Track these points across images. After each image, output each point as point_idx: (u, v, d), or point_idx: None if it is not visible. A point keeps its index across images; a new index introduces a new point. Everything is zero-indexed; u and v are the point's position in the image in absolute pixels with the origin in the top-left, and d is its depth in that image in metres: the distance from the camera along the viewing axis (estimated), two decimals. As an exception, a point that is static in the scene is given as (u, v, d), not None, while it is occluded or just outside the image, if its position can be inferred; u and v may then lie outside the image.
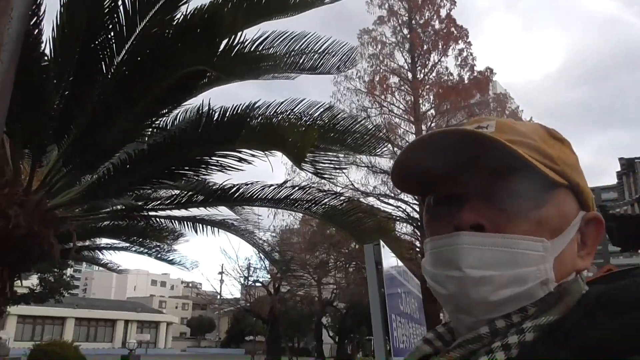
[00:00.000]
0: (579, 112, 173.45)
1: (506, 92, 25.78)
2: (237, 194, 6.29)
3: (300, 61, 5.28)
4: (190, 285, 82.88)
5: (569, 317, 0.56)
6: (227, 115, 4.78)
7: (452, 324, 0.67)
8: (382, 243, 2.34)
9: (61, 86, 4.79)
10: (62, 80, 4.75)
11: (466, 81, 24.05)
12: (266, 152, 4.79)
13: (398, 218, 26.86)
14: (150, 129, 5.26)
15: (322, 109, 5.37)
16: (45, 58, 4.71)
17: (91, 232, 8.21)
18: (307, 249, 31.26)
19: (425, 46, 23.33)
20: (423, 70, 24.10)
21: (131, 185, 5.64)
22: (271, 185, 6.37)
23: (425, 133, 0.62)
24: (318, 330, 41.92)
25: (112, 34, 4.61)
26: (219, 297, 50.22)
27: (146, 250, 10.14)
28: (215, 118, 4.72)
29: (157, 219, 7.39)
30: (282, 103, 5.13)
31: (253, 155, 5.01)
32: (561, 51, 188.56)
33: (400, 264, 4.32)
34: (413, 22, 23.62)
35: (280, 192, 6.39)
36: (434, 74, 24.16)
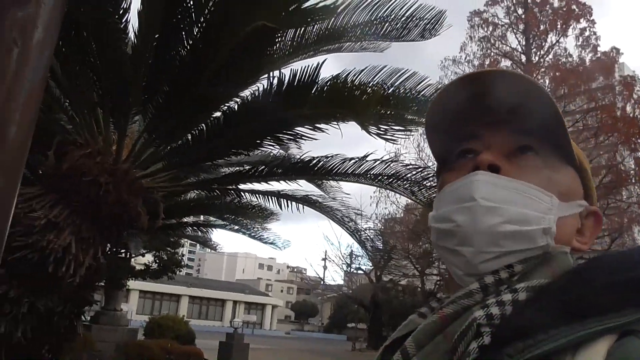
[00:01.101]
0: None
1: (635, 74, 23.29)
2: (317, 167, 6.16)
3: (384, 29, 5.00)
4: (295, 270, 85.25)
5: (558, 279, 0.59)
6: (297, 78, 4.62)
7: (451, 271, 0.67)
8: None
9: (145, 56, 4.90)
10: (145, 50, 4.86)
11: (588, 63, 22.14)
12: (338, 116, 4.60)
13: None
14: (231, 99, 5.23)
15: (405, 76, 5.04)
16: (129, 29, 4.86)
17: (183, 208, 8.52)
18: (410, 238, 30.74)
19: (542, 26, 21.75)
20: (539, 53, 22.53)
21: (211, 155, 5.69)
22: (352, 158, 6.17)
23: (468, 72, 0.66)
24: (421, 322, 41.31)
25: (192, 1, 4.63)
26: (322, 282, 51.22)
27: (240, 229, 10.41)
28: (286, 81, 4.59)
29: (245, 194, 7.48)
30: (362, 71, 4.85)
31: (326, 122, 4.84)
32: None
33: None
34: (529, 0, 22.05)
35: (361, 165, 6.16)
36: (550, 56, 22.50)
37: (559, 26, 21.56)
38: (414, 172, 6.21)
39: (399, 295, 40.01)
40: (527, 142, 0.66)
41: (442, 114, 0.69)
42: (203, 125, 5.13)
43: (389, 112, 4.94)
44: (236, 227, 10.39)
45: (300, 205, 7.49)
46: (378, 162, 6.12)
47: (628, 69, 23.93)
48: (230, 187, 6.77)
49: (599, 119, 22.54)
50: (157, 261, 22.32)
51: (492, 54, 22.46)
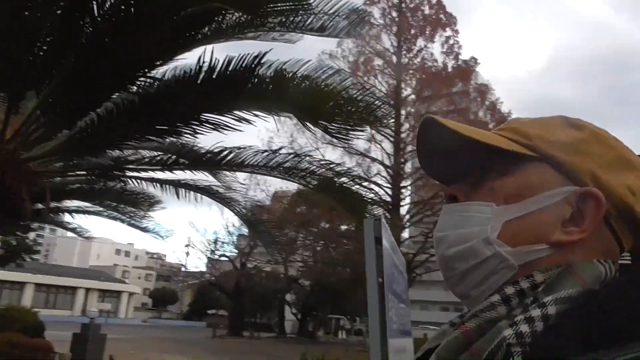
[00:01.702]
0: (560, 110, 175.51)
1: (488, 82, 25.81)
2: (229, 158, 6.01)
3: (309, 21, 4.96)
4: (154, 256, 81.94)
5: (598, 296, 0.55)
6: (232, 66, 4.40)
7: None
8: (383, 218, 2.21)
9: (45, 26, 4.39)
10: (47, 20, 4.35)
11: (450, 69, 24.01)
12: (274, 111, 4.51)
13: (370, 200, 26.95)
14: (143, 79, 4.83)
15: (330, 72, 5.06)
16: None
17: (64, 193, 7.79)
18: (276, 226, 31.15)
19: (412, 31, 23.15)
20: (408, 55, 23.93)
21: (116, 140, 5.26)
22: (265, 151, 6.09)
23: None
24: (281, 307, 42.08)
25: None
26: (183, 269, 49.81)
27: (119, 216, 9.78)
28: (218, 68, 4.35)
29: (136, 181, 7.04)
30: (286, 62, 4.78)
31: (255, 115, 4.71)
32: (547, 49, 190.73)
33: (393, 239, 4.18)
34: (403, 5, 23.35)
35: (274, 159, 6.12)
36: (418, 59, 24.03)
37: (427, 32, 23.13)
38: (326, 168, 6.30)
39: (263, 282, 40.37)
40: (482, 163, 0.68)
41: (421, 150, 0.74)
42: (112, 105, 4.70)
43: (337, 115, 4.94)
44: (114, 214, 9.73)
45: (199, 195, 7.24)
46: (291, 156, 6.12)
47: (482, 78, 26.42)
48: (126, 174, 6.32)
49: (462, 118, 24.76)
50: (4, 247, 20.19)
51: (367, 51, 23.43)
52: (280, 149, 6.11)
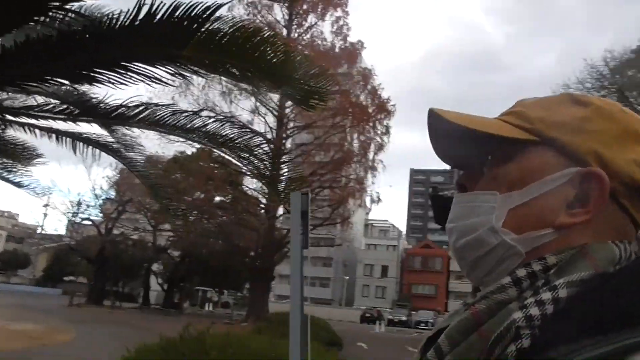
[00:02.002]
0: (432, 100, 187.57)
1: (372, 67, 26.58)
2: (144, 115, 5.47)
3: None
4: (6, 215, 74.60)
5: (606, 277, 0.55)
6: (178, 13, 3.85)
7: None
8: (309, 192, 2.12)
9: None
10: None
11: (337, 50, 24.30)
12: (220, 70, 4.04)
13: (249, 173, 26.77)
14: (62, 12, 4.08)
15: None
16: None
17: None
18: (148, 192, 29.84)
19: (305, 6, 23.00)
20: (298, 30, 23.81)
21: (17, 79, 4.47)
22: (184, 111, 5.63)
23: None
24: (147, 277, 40.63)
25: None
26: (40, 231, 45.98)
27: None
28: (161, 14, 3.79)
29: (28, 130, 6.19)
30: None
31: (195, 72, 4.25)
32: (426, 43, 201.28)
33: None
34: (297, -23, 23.09)
35: (193, 120, 5.67)
36: (308, 36, 24.02)
37: (319, 10, 23.15)
38: (247, 137, 5.99)
39: (129, 250, 38.61)
40: (488, 150, 0.68)
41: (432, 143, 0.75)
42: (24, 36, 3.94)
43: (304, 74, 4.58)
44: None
45: (98, 151, 6.58)
46: (212, 120, 5.73)
47: (365, 63, 27.12)
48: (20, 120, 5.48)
49: (339, 102, 25.23)
50: None
51: (258, 20, 22.93)
52: (201, 110, 5.68)
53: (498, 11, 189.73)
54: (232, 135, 6.02)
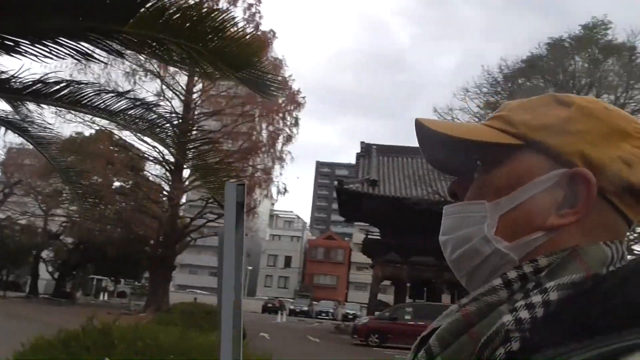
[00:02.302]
0: (336, 96, 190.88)
1: (283, 58, 26.53)
2: (64, 93, 5.02)
3: None
4: None
5: (601, 282, 0.55)
6: None
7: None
8: (245, 183, 2.06)
9: None
10: None
11: (249, 37, 23.89)
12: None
13: (152, 158, 25.80)
14: None
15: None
16: None
17: None
18: (40, 174, 27.85)
19: (215, -11, 22.42)
20: (209, 13, 23.18)
21: None
22: (109, 91, 5.21)
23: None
24: (36, 264, 38.01)
25: None
26: None
27: None
28: None
29: None
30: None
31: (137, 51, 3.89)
32: (336, 40, 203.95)
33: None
34: (209, -41, 22.43)
35: (119, 102, 5.30)
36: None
37: (231, -5, 22.69)
38: (159, 121, 5.68)
39: (15, 235, 35.87)
40: (476, 157, 0.68)
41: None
42: None
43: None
44: None
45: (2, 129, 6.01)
46: (139, 103, 5.35)
47: (276, 54, 27.05)
48: None
49: (248, 91, 24.93)
50: None
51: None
52: (128, 92, 5.32)
53: (405, 13, 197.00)
54: (152, 119, 5.75)
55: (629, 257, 0.62)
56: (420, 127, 0.69)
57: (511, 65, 20.61)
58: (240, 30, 4.29)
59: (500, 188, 0.65)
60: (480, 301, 0.60)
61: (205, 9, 4.01)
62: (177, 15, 3.88)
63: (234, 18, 4.26)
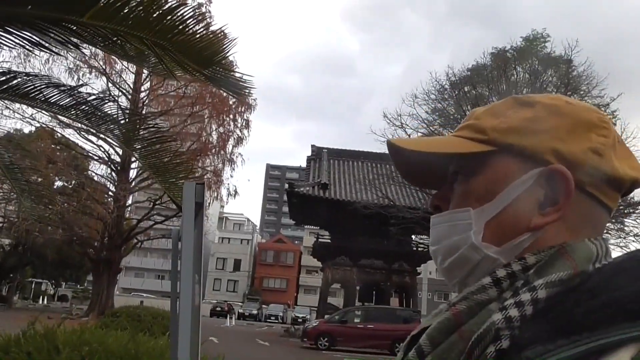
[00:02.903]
0: (287, 99, 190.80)
1: (234, 59, 26.29)
2: (13, 83, 4.79)
3: None
4: None
5: (588, 279, 0.56)
6: None
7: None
8: (205, 182, 2.00)
9: None
10: None
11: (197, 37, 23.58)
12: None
13: (97, 158, 25.03)
14: None
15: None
16: None
17: None
18: (4, 173, 26.55)
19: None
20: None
21: None
22: (61, 85, 4.98)
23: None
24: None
25: None
26: None
27: None
28: None
29: None
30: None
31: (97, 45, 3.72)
32: (285, 42, 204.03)
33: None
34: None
35: (68, 97, 5.07)
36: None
37: (182, -7, 22.32)
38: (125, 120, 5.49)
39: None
40: (453, 168, 0.70)
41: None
42: None
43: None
44: None
45: None
46: (93, 97, 5.13)
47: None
48: None
49: (198, 91, 24.58)
50: None
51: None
52: (81, 85, 5.10)
53: (353, 19, 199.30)
54: (101, 115, 5.56)
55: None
56: (393, 147, 0.70)
57: (457, 73, 21.23)
58: (205, 26, 4.20)
59: (482, 195, 0.65)
60: (470, 300, 0.60)
61: (170, 3, 3.89)
62: (140, 8, 3.75)
63: (201, 14, 4.16)
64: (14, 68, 20.56)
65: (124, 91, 24.76)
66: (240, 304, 51.54)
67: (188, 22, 3.98)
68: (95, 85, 24.91)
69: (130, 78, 24.60)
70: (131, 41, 4.01)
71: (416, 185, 0.81)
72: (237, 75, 4.66)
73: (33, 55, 19.86)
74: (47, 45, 4.09)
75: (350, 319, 20.78)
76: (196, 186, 1.73)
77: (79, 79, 23.41)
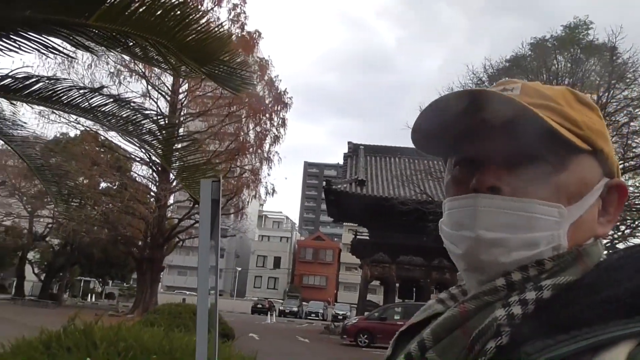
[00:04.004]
0: (323, 97, 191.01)
1: (269, 59, 26.51)
2: (35, 88, 4.95)
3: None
4: None
5: (587, 276, 0.57)
6: None
7: (465, 282, 0.67)
8: (221, 180, 2.04)
9: None
10: None
11: (234, 38, 23.89)
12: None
13: (139, 159, 25.65)
14: None
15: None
16: None
17: None
18: (24, 175, 27.58)
19: (201, -11, 22.39)
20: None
21: None
22: (81, 87, 5.15)
23: (447, 93, 0.62)
24: (21, 266, 37.63)
25: None
26: None
27: None
28: None
29: None
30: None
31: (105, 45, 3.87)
32: (322, 40, 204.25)
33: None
34: (195, -40, 22.36)
35: (92, 98, 5.24)
36: (203, 21, 23.36)
37: (216, -5, 22.65)
38: (144, 121, 5.63)
39: (1, 237, 35.46)
40: (529, 149, 0.61)
41: (437, 121, 0.64)
42: None
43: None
44: None
45: None
46: (111, 100, 5.29)
47: (262, 54, 27.01)
48: None
49: (235, 91, 24.86)
50: None
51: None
52: (101, 88, 5.26)
53: (388, 15, 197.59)
54: (133, 118, 5.68)
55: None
56: (479, 97, 0.60)
57: (495, 65, 20.80)
58: (205, 24, 4.23)
59: (572, 194, 0.61)
60: (479, 299, 0.59)
61: (170, 2, 3.96)
62: (142, 8, 3.84)
63: (200, 12, 4.21)
64: (59, 74, 21.29)
65: (163, 93, 25.28)
66: (280, 301, 51.94)
67: (187, 20, 4.03)
68: (136, 87, 25.55)
69: (169, 80, 25.10)
70: (135, 40, 4.10)
71: (422, 149, 0.70)
72: (240, 73, 4.70)
73: (76, 61, 20.49)
74: (59, 48, 4.20)
75: (389, 315, 20.71)
76: (212, 183, 1.75)
77: (120, 82, 24.06)
